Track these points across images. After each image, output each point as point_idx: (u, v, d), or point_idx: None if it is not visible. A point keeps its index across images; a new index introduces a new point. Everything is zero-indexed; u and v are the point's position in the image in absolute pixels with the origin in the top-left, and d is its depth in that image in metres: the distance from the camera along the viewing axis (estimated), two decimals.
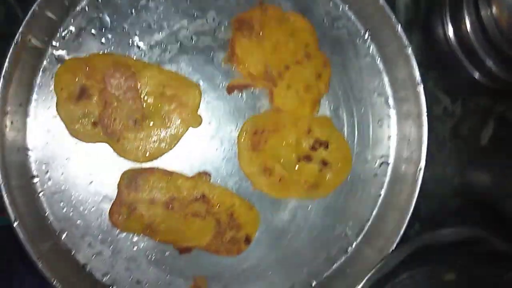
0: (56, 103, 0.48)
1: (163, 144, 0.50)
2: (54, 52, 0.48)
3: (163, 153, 0.50)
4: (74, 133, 0.48)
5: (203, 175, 0.51)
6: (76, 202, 0.49)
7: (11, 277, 0.54)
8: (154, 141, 0.49)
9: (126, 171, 0.49)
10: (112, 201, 0.49)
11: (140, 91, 0.49)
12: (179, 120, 0.50)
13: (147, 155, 0.49)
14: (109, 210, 0.49)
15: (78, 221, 0.49)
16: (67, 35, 0.49)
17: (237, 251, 0.51)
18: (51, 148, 0.49)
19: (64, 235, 0.48)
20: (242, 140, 0.52)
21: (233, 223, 0.51)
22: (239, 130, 0.52)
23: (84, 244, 0.49)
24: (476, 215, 0.59)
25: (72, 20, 0.49)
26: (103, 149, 0.49)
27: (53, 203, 0.48)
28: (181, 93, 0.50)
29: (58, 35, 0.49)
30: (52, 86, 0.48)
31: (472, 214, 0.59)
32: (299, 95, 0.53)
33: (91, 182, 0.49)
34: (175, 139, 0.50)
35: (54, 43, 0.48)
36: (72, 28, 0.49)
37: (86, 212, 0.49)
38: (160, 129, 0.49)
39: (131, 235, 0.49)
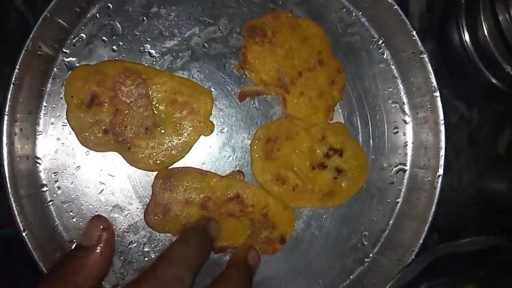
0: (67, 110, 0.47)
1: (174, 152, 0.49)
2: (65, 59, 0.48)
3: (174, 162, 0.49)
4: (84, 142, 0.47)
5: (236, 174, 0.50)
6: (86, 211, 0.48)
7: None
8: (165, 149, 0.48)
9: (160, 172, 0.48)
10: (122, 210, 0.48)
11: (151, 98, 0.48)
12: (191, 128, 0.49)
13: (158, 162, 0.48)
14: (145, 211, 0.48)
15: None
16: (78, 42, 0.48)
17: (273, 251, 0.50)
18: (60, 157, 0.48)
19: (74, 246, 0.47)
20: (255, 147, 0.50)
21: (267, 223, 0.50)
22: (252, 138, 0.51)
23: None
24: (495, 224, 0.58)
25: (83, 27, 0.48)
26: (114, 158, 0.48)
27: (63, 213, 0.47)
28: (192, 100, 0.49)
29: (68, 42, 0.48)
30: (63, 94, 0.47)
31: (490, 223, 0.58)
32: (312, 102, 0.52)
33: (101, 191, 0.48)
34: (187, 147, 0.49)
35: (64, 50, 0.48)
36: (83, 35, 0.48)
37: None
38: (171, 137, 0.49)
39: (142, 246, 0.48)
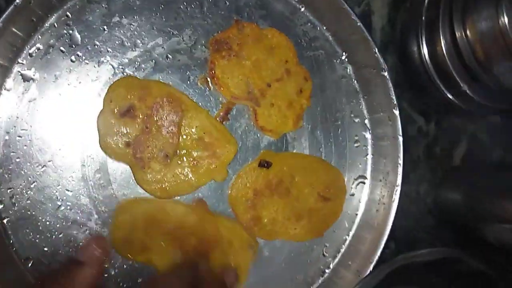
0: (100, 111, 0.47)
1: (182, 186, 0.49)
2: (20, 70, 0.46)
3: (178, 195, 0.49)
4: (104, 146, 0.47)
5: (199, 203, 0.50)
6: (43, 228, 0.46)
7: None
8: (175, 180, 0.48)
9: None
10: (81, 226, 0.47)
11: (181, 129, 0.48)
12: (206, 169, 0.49)
13: (162, 190, 0.48)
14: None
15: (45, 248, 0.46)
16: (34, 52, 0.46)
17: None
18: (15, 173, 0.46)
19: (30, 264, 0.46)
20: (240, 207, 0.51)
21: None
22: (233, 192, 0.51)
23: None
24: (450, 234, 0.60)
25: (39, 36, 0.46)
26: (71, 172, 0.47)
27: (18, 230, 0.46)
28: (218, 144, 0.49)
29: (24, 52, 0.46)
30: (17, 107, 0.46)
31: (445, 233, 0.60)
32: (282, 112, 0.52)
33: (58, 208, 0.47)
34: (195, 186, 0.49)
35: (20, 60, 0.46)
36: (39, 45, 0.46)
37: (53, 238, 0.46)
38: (186, 170, 0.49)
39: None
